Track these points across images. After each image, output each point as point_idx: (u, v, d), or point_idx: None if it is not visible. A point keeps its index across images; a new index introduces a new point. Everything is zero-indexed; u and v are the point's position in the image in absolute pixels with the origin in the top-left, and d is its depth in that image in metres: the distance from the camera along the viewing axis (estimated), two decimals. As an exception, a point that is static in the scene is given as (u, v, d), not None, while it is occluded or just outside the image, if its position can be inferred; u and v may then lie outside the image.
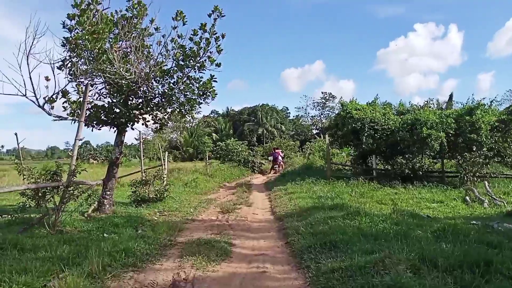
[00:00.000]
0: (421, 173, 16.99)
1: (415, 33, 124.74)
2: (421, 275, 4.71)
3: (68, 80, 9.67)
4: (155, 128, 11.98)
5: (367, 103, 19.71)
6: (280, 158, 31.15)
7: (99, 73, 9.52)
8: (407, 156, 17.17)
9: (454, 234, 6.73)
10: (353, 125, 17.52)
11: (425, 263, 5.09)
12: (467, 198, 12.70)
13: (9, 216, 8.80)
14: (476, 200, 12.44)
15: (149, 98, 10.88)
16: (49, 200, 7.95)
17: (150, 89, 10.73)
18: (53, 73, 8.99)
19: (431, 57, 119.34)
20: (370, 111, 18.07)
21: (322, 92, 78.68)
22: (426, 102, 22.36)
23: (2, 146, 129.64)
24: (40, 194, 7.78)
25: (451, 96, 44.80)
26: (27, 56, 8.27)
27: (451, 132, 16.86)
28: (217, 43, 10.27)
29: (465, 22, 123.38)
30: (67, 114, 9.94)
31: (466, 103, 19.01)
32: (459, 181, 16.12)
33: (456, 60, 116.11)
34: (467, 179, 15.53)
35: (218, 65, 10.49)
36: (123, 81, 9.73)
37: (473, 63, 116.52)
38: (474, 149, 16.68)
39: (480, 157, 15.78)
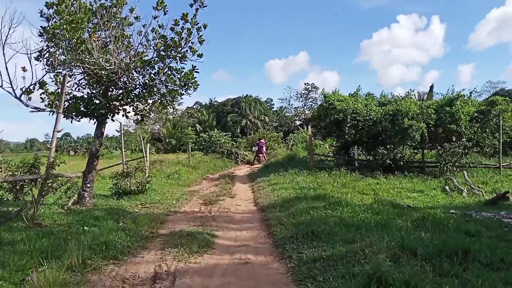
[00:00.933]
0: (402, 163, 17.22)
1: (398, 25, 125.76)
2: (401, 264, 4.77)
3: (46, 71, 9.49)
4: (136, 119, 11.81)
5: (349, 94, 19.81)
6: (264, 148, 31.69)
7: (78, 64, 9.34)
8: (388, 146, 17.37)
9: (433, 223, 6.83)
10: (336, 116, 17.58)
11: (405, 252, 5.16)
12: (447, 187, 12.93)
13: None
14: (455, 190, 12.68)
15: (129, 89, 10.71)
16: (27, 193, 7.82)
17: (130, 80, 10.56)
18: (30, 63, 8.83)
19: (414, 49, 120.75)
20: (352, 102, 18.16)
21: (305, 83, 79.00)
22: (407, 93, 22.61)
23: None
24: (18, 187, 7.64)
25: (431, 87, 45.50)
26: (3, 46, 8.09)
27: (432, 123, 17.11)
28: (199, 34, 10.15)
29: (447, 13, 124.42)
30: (45, 106, 9.73)
31: (446, 94, 19.31)
32: (439, 171, 16.39)
33: (438, 52, 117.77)
34: (446, 169, 15.82)
35: (200, 55, 10.38)
36: (103, 72, 9.57)
37: (455, 55, 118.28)
38: (453, 139, 16.99)
39: (460, 147, 16.07)
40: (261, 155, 31.06)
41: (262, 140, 33.17)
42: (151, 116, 21.83)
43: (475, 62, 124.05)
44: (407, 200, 11.16)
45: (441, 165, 16.19)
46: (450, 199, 11.48)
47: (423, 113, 17.05)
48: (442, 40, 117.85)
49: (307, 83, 77.46)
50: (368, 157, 19.55)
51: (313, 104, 72.73)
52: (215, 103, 78.73)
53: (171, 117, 64.53)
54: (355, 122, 17.52)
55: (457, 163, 16.05)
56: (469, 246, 5.18)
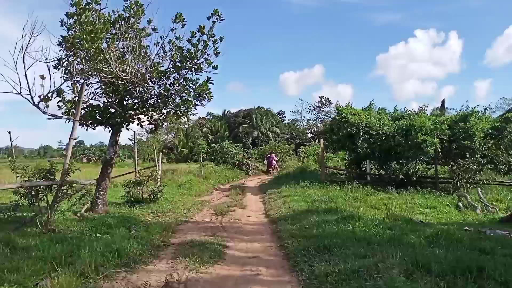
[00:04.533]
0: (414, 178, 17.06)
1: (416, 39, 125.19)
2: (414, 280, 4.72)
3: (64, 79, 9.65)
4: (150, 128, 11.94)
5: (362, 108, 19.77)
6: (274, 162, 33.46)
7: (95, 73, 9.52)
8: (401, 161, 17.24)
9: (447, 240, 6.77)
10: (348, 129, 17.54)
11: (418, 268, 5.11)
12: (460, 204, 12.76)
13: (1, 214, 8.73)
14: (469, 207, 12.51)
15: (144, 98, 10.87)
16: (42, 199, 7.91)
17: (146, 90, 10.73)
18: (49, 71, 8.98)
19: (431, 64, 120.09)
20: (366, 116, 18.11)
21: (319, 96, 78.92)
22: (420, 108, 22.49)
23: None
24: (33, 193, 7.74)
25: (443, 103, 45.15)
26: (23, 55, 8.22)
27: (445, 138, 16.96)
28: (215, 46, 10.27)
29: (464, 29, 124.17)
30: (62, 113, 9.91)
31: (460, 110, 19.14)
32: (452, 187, 16.18)
33: (454, 67, 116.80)
34: (460, 185, 15.60)
35: (215, 67, 10.49)
36: (119, 81, 9.72)
37: (471, 70, 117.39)
38: (467, 155, 16.77)
39: (474, 164, 15.86)
40: (270, 169, 32.67)
41: (273, 155, 34.89)
42: (164, 125, 21.98)
43: (491, 78, 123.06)
44: (420, 215, 11.03)
45: (455, 181, 15.97)
46: (464, 216, 11.32)
47: (437, 129, 16.92)
48: (459, 55, 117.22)
49: (321, 96, 77.47)
50: (380, 171, 19.40)
51: (326, 117, 72.63)
52: (227, 114, 79.02)
53: (183, 127, 64.93)
54: (368, 136, 17.45)
55: (470, 180, 15.83)
56: (484, 264, 5.10)
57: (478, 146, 16.74)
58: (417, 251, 5.85)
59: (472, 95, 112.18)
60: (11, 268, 5.03)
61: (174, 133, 64.54)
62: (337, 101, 20.96)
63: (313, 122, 76.99)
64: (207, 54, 10.32)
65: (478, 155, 16.73)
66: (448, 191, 16.04)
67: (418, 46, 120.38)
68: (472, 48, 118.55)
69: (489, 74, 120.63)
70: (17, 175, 7.90)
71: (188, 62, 10.31)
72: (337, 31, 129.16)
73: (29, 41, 8.20)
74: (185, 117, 12.06)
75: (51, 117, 9.62)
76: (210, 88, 10.80)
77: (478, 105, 19.01)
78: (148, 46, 10.51)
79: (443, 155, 17.50)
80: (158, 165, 17.27)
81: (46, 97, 9.12)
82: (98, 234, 7.69)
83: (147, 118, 11.39)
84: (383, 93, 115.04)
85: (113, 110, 10.52)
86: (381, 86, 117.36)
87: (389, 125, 17.76)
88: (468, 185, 15.64)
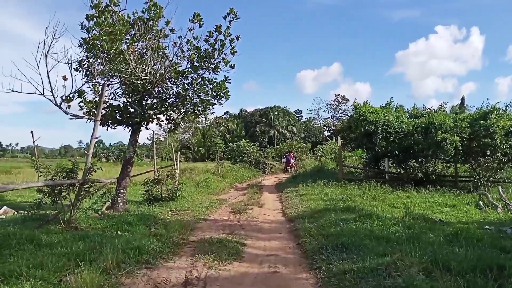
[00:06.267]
0: (434, 177, 16.86)
1: (436, 36, 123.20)
2: (434, 278, 4.70)
3: (85, 80, 9.86)
4: (168, 128, 12.09)
5: (380, 106, 19.61)
6: (292, 160, 34.21)
7: (115, 74, 9.67)
8: (420, 160, 17.04)
9: (467, 239, 6.69)
10: (366, 127, 17.43)
11: (438, 266, 5.07)
12: (481, 203, 12.56)
13: (25, 212, 8.97)
14: (490, 205, 12.30)
15: (163, 98, 11.01)
16: (64, 197, 8.09)
17: (164, 90, 10.87)
18: (70, 73, 9.15)
19: (451, 60, 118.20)
20: (384, 114, 17.97)
21: (335, 94, 78.44)
22: (440, 106, 22.10)
23: (17, 144, 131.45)
24: (56, 191, 7.91)
25: (462, 100, 44.36)
26: (46, 56, 8.40)
27: (466, 136, 16.70)
28: (231, 45, 10.36)
29: (486, 25, 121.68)
30: (83, 113, 10.09)
31: (481, 107, 18.82)
32: (472, 186, 15.94)
33: (475, 64, 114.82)
34: (480, 184, 15.37)
35: (232, 66, 10.58)
36: (139, 82, 9.86)
37: (493, 67, 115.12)
38: (488, 153, 16.50)
39: (495, 162, 15.60)
40: (289, 167, 33.19)
41: (290, 154, 35.77)
42: (181, 125, 22.20)
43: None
44: (439, 214, 10.90)
45: (475, 180, 15.74)
46: (484, 215, 11.14)
47: (457, 127, 16.67)
48: (481, 51, 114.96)
49: (338, 95, 77.04)
50: (399, 170, 19.22)
51: (343, 115, 72.16)
52: (244, 113, 79.19)
53: (200, 126, 65.35)
54: (386, 134, 17.32)
55: (491, 178, 15.58)
56: (504, 263, 5.03)
57: (499, 144, 16.43)
58: (437, 250, 5.80)
59: (493, 92, 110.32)
60: (36, 264, 5.16)
61: (191, 132, 65.00)
62: (355, 99, 20.87)
63: (330, 121, 76.58)
64: (224, 53, 10.43)
65: (499, 153, 16.43)
66: (468, 189, 15.79)
67: (439, 42, 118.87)
68: (494, 44, 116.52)
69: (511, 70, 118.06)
70: (40, 174, 8.08)
71: (206, 62, 10.42)
72: (355, 29, 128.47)
73: (51, 42, 8.39)
74: (203, 116, 12.17)
75: (73, 117, 9.81)
76: (227, 87, 10.90)
77: (499, 102, 18.69)
78: (166, 46, 10.66)
79: (463, 153, 17.24)
80: (176, 164, 17.45)
81: (68, 97, 9.30)
82: (119, 232, 7.85)
83: (166, 117, 11.53)
84: (402, 90, 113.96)
85: (132, 110, 10.69)
86: (399, 83, 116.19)
87: (407, 123, 17.60)
88: (489, 183, 15.40)
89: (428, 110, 20.28)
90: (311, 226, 8.67)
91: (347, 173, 21.20)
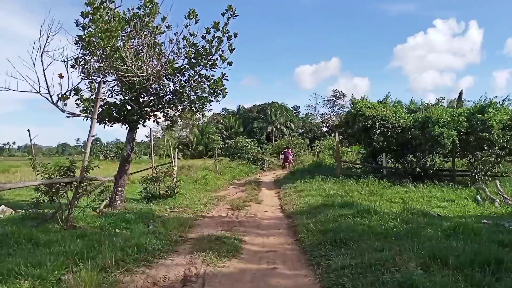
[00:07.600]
0: (431, 171, 16.86)
1: (435, 29, 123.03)
2: (432, 273, 4.71)
3: (81, 78, 9.82)
4: (165, 125, 12.07)
5: (378, 101, 19.60)
6: (290, 156, 34.22)
7: (112, 71, 9.64)
8: (417, 154, 17.05)
9: (464, 233, 6.70)
10: (364, 123, 17.42)
11: (436, 261, 5.09)
12: (478, 197, 12.59)
13: (23, 211, 8.94)
14: (487, 199, 12.33)
15: (160, 95, 10.98)
16: (62, 196, 8.07)
17: (161, 87, 10.84)
18: (67, 70, 9.07)
19: (450, 54, 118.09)
20: (381, 109, 17.94)
21: (333, 90, 78.40)
22: (437, 100, 22.04)
23: (14, 143, 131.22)
24: (53, 190, 7.89)
25: (460, 94, 44.27)
26: (41, 54, 8.34)
27: (463, 130, 16.70)
28: (229, 42, 10.35)
29: (484, 18, 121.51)
30: (80, 111, 10.06)
31: (478, 101, 18.81)
32: (470, 180, 15.97)
33: (474, 57, 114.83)
34: (478, 178, 15.40)
35: (230, 63, 10.56)
36: (135, 79, 9.83)
37: (490, 60, 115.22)
38: (485, 147, 16.49)
39: (492, 156, 15.62)
40: (287, 163, 33.22)
41: (288, 150, 35.77)
42: (179, 122, 22.21)
43: (511, 68, 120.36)
44: (437, 209, 10.93)
45: (473, 174, 15.77)
46: (482, 209, 11.16)
47: (454, 121, 16.66)
48: (479, 45, 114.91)
49: (335, 90, 77.05)
50: (396, 164, 19.23)
51: (340, 111, 72.20)
52: (242, 109, 79.11)
53: (198, 123, 65.24)
54: (384, 129, 17.31)
55: (489, 172, 15.61)
56: (502, 257, 5.05)
57: (496, 138, 16.42)
58: (434, 244, 5.82)
59: (491, 85, 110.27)
60: (34, 263, 5.15)
61: (189, 129, 64.91)
62: (352, 95, 20.87)
63: (328, 116, 76.58)
64: (222, 50, 10.39)
65: (497, 147, 16.43)
66: (466, 184, 15.82)
67: (438, 36, 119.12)
68: (492, 37, 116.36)
69: (509, 64, 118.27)
70: (37, 173, 8.05)
71: (203, 59, 10.38)
72: (354, 23, 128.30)
73: (46, 40, 8.32)
74: (200, 113, 12.16)
75: (69, 115, 9.78)
76: (224, 84, 10.88)
77: (496, 96, 18.68)
78: (162, 43, 10.64)
79: (460, 148, 17.24)
80: (174, 161, 17.43)
81: (65, 95, 9.27)
82: (117, 230, 7.85)
83: (163, 114, 11.51)
84: (400, 85, 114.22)
85: (129, 107, 10.67)
86: (397, 77, 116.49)
87: (405, 118, 17.59)
88: (487, 177, 15.43)
89: (426, 104, 20.22)
90: (310, 222, 8.67)
91: (345, 169, 21.23)
